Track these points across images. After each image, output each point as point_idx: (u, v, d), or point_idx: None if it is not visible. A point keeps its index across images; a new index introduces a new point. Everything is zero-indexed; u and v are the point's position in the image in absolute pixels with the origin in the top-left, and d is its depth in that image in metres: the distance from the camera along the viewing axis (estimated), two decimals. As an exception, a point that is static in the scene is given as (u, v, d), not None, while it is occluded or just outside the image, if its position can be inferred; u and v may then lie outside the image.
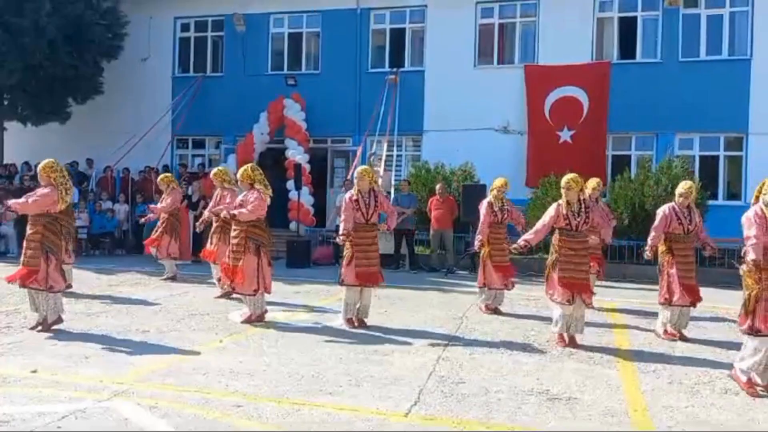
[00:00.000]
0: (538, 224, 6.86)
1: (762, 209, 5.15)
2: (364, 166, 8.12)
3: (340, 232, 7.38)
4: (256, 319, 7.36)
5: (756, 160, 14.91)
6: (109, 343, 6.26)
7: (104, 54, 17.27)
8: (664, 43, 15.75)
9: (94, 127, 17.96)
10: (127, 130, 16.97)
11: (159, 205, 11.13)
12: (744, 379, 5.23)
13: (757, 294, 5.08)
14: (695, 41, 15.67)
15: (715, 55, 15.59)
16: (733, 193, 15.47)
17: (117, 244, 15.74)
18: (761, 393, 5.09)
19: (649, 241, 7.23)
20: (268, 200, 7.45)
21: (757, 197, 5.27)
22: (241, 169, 7.64)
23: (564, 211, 6.58)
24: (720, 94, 15.11)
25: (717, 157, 15.70)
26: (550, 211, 6.72)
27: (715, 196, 14.73)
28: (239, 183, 7.69)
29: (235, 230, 7.45)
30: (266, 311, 7.53)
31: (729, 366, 5.84)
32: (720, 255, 10.83)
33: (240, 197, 7.59)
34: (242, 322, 7.34)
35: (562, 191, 6.65)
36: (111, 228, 15.61)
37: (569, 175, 6.64)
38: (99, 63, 17.35)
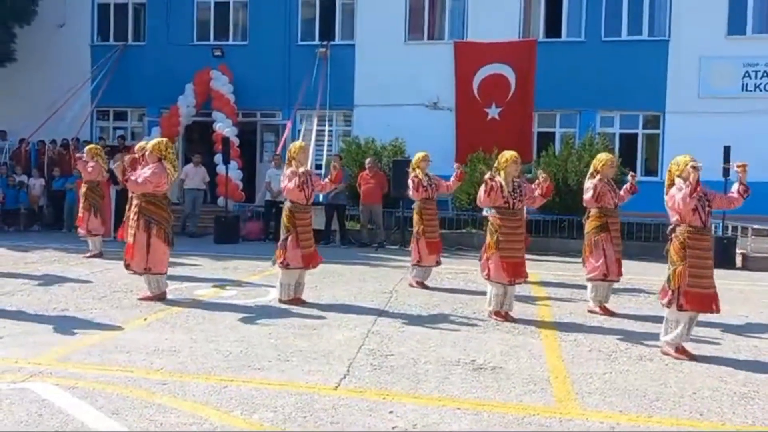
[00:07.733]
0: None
1: None
2: (300, 142, 7.81)
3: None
4: (156, 298, 7.12)
5: (672, 138, 15.62)
6: (26, 322, 6.00)
7: (17, 18, 16.32)
8: (588, 22, 16.18)
9: (6, 96, 17.02)
10: (43, 101, 16.14)
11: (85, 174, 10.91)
12: None
13: None
14: (618, 21, 16.17)
15: (635, 35, 16.15)
16: (650, 170, 16.17)
17: (32, 219, 14.97)
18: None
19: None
20: (171, 179, 7.15)
21: None
22: (154, 141, 7.31)
23: (504, 186, 6.48)
24: (639, 74, 15.71)
25: (636, 135, 16.36)
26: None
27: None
28: (147, 155, 7.25)
29: (130, 205, 7.29)
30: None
31: (643, 335, 6.15)
32: (637, 229, 11.36)
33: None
34: (140, 300, 7.12)
35: (509, 166, 6.52)
36: (24, 203, 14.80)
37: (509, 152, 6.59)
38: (11, 28, 16.39)
